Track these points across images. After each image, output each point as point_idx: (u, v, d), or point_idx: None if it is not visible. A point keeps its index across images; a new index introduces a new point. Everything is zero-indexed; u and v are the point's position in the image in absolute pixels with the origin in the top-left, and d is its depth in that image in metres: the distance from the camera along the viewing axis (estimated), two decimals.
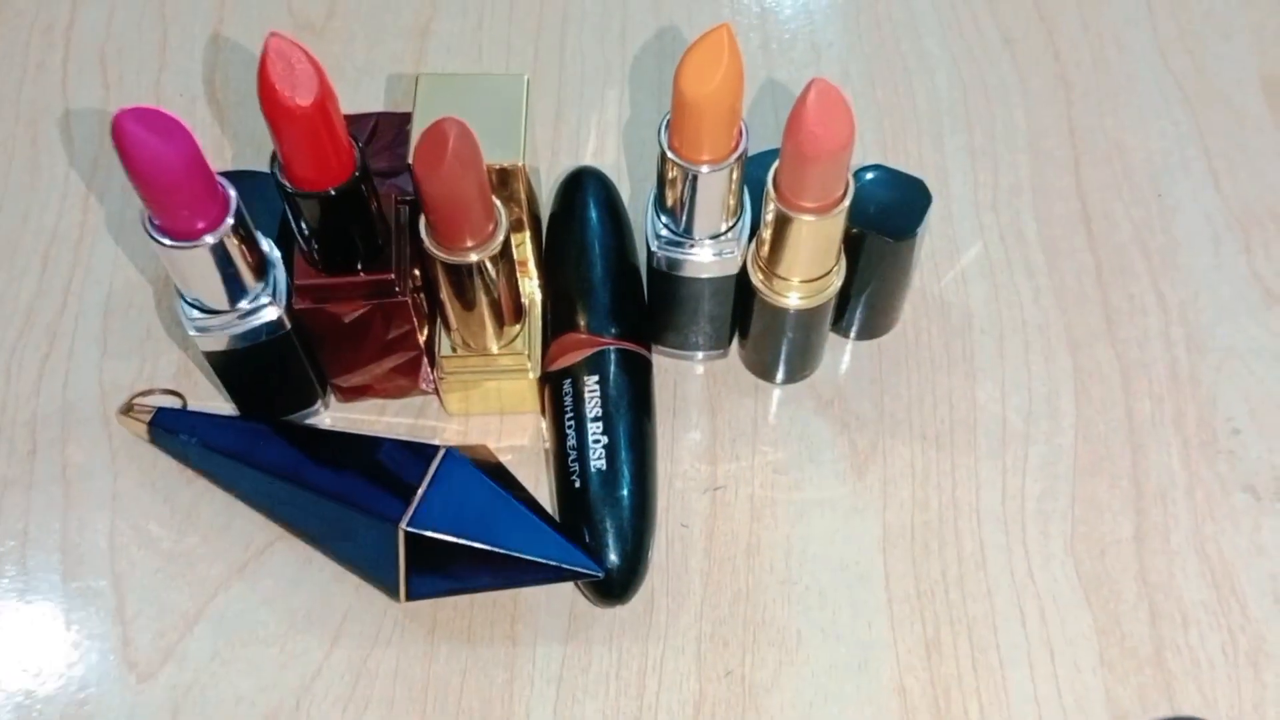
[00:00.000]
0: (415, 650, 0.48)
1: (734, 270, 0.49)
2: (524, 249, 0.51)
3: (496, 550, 0.45)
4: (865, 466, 0.52)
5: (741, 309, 0.51)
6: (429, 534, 0.45)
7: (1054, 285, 0.56)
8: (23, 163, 0.60)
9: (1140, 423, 0.53)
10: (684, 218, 0.47)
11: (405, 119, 0.50)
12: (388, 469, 0.47)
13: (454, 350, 0.50)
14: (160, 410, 0.51)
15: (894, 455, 0.52)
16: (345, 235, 0.45)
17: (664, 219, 0.48)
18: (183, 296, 0.46)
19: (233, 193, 0.43)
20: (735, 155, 0.44)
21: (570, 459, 0.48)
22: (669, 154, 0.45)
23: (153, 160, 0.39)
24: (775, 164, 0.45)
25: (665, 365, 0.54)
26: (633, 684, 0.47)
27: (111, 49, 0.63)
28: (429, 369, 0.51)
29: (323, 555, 0.49)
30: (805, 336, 0.51)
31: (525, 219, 0.50)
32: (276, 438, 0.49)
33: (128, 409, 0.51)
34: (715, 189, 0.46)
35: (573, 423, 0.49)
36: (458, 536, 0.45)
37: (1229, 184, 0.59)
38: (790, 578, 0.49)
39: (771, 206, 0.45)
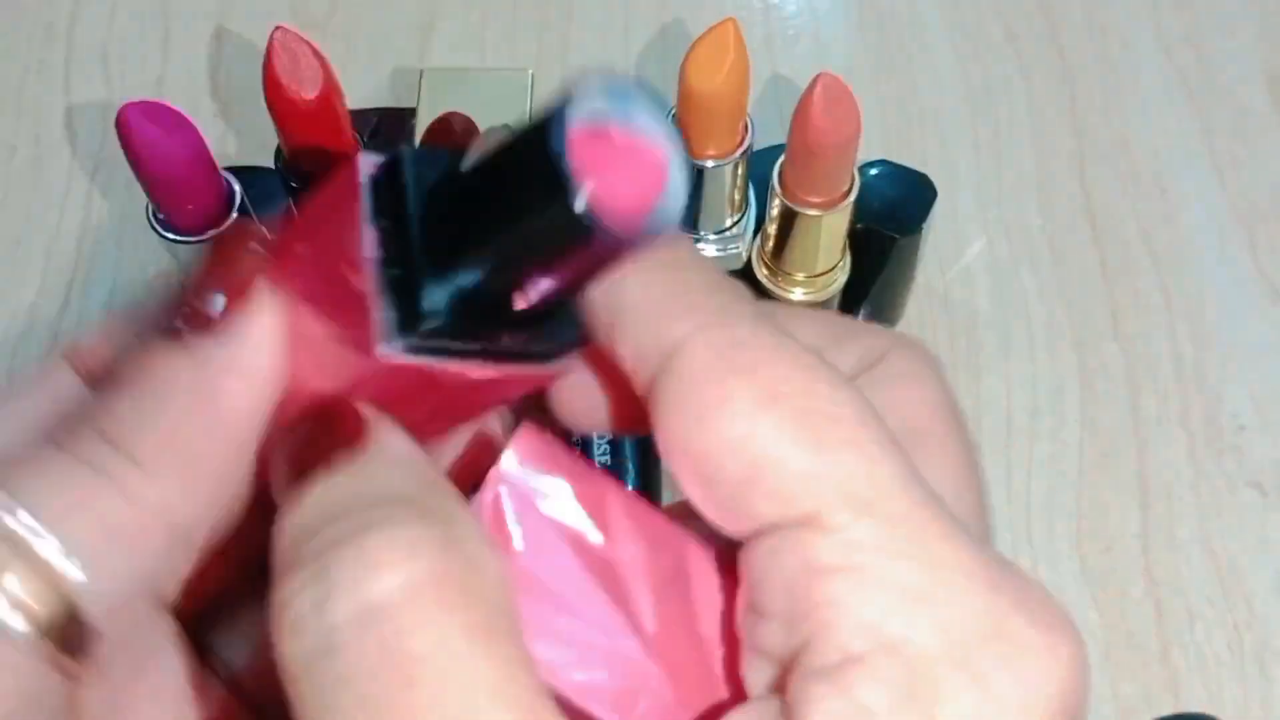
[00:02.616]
0: None
1: (738, 266, 0.49)
2: None
3: None
4: None
5: None
6: None
7: (1059, 281, 0.56)
8: (25, 159, 0.60)
9: (1146, 419, 0.53)
10: (689, 212, 0.47)
11: (409, 115, 0.50)
12: None
13: None
14: None
15: None
16: None
17: None
18: None
19: (238, 187, 0.43)
20: (740, 150, 0.44)
21: None
22: None
23: (158, 154, 0.39)
24: (781, 159, 0.44)
25: None
26: None
27: (114, 45, 0.63)
28: None
29: None
30: None
31: None
32: None
33: None
34: (720, 184, 0.46)
35: None
36: None
37: (1234, 180, 0.59)
38: None
39: (777, 201, 0.45)
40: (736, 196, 0.47)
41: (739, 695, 0.20)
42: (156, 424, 0.20)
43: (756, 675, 0.20)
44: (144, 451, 0.20)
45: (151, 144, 0.39)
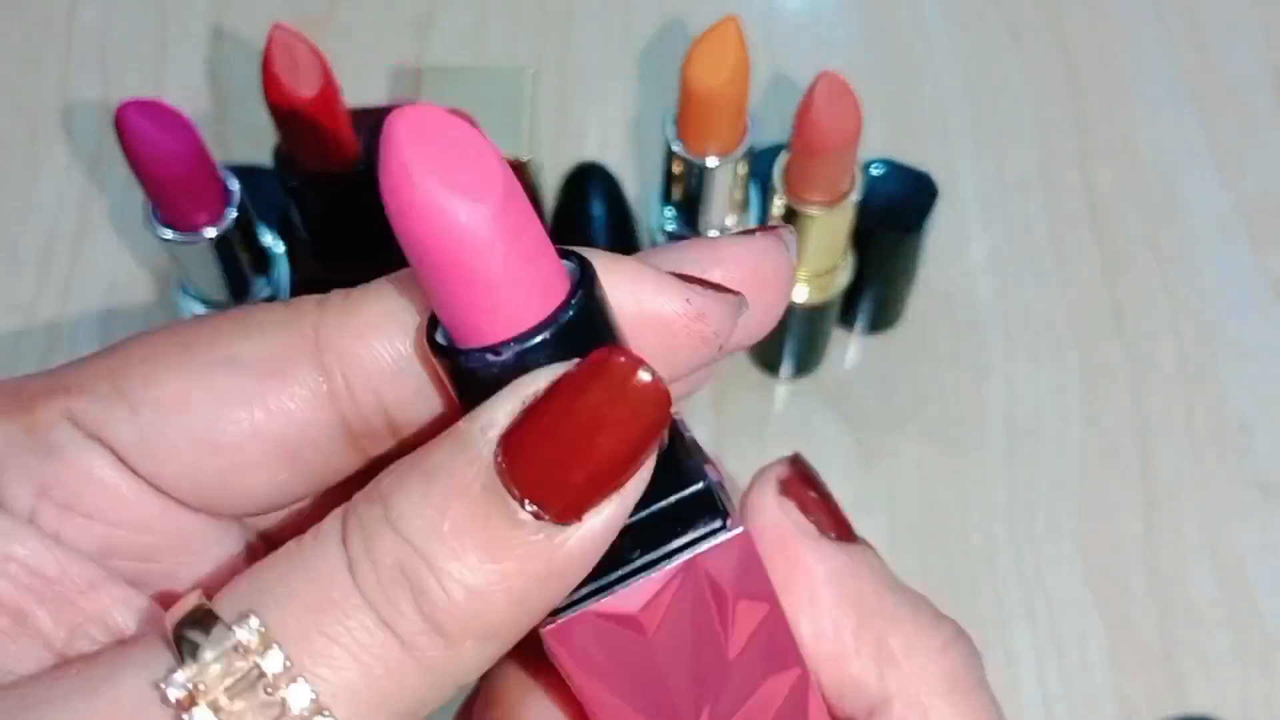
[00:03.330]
0: None
1: None
2: None
3: None
4: (871, 463, 0.51)
5: None
6: None
7: (1061, 280, 0.56)
8: (22, 158, 0.59)
9: (1149, 419, 0.52)
10: (690, 212, 0.47)
11: None
12: None
13: None
14: None
15: (900, 452, 0.52)
16: (348, 228, 0.45)
17: (670, 213, 0.48)
18: (185, 290, 0.45)
19: (235, 185, 0.42)
20: (742, 148, 0.44)
21: None
22: (675, 147, 0.44)
23: (156, 152, 0.39)
24: (782, 157, 0.44)
25: None
26: None
27: (112, 42, 0.63)
28: None
29: None
30: (812, 331, 0.50)
31: None
32: None
33: None
34: (722, 182, 0.45)
35: None
36: None
37: (1238, 178, 0.59)
38: None
39: (779, 200, 0.45)
40: (738, 195, 0.46)
41: None
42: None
43: None
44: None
45: (150, 143, 0.39)
